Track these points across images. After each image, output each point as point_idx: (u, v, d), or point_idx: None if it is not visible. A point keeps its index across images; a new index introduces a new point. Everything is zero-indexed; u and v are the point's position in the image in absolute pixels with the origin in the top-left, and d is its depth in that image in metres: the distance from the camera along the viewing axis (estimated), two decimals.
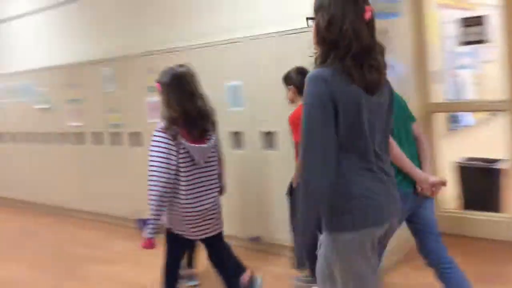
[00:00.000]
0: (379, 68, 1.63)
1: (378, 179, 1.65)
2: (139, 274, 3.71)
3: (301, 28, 3.30)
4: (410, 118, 2.46)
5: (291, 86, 3.02)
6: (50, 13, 5.81)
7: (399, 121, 2.30)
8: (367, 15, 1.60)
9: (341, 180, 1.59)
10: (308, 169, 1.55)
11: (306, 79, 1.59)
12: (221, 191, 2.86)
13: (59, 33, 5.78)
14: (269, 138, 3.78)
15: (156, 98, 4.44)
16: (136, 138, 4.69)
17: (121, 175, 4.87)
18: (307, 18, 1.69)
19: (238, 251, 2.99)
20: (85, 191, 5.36)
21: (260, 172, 3.86)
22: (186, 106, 2.54)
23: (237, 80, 3.86)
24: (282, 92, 3.18)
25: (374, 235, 1.64)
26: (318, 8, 1.65)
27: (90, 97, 5.07)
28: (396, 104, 1.84)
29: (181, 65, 2.68)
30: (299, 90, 2.87)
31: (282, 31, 3.58)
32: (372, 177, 1.63)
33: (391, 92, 1.75)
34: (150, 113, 4.47)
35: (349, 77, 1.57)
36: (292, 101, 3.05)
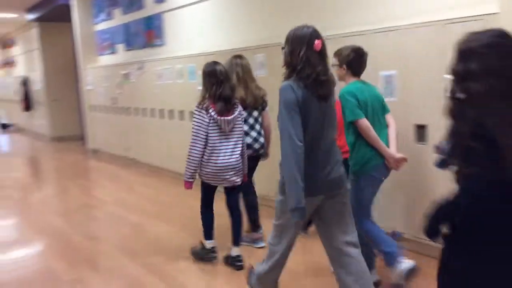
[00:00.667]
0: (328, 85, 2.42)
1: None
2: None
3: (467, 17, 3.09)
4: (385, 109, 3.17)
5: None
6: (213, 2, 6.24)
7: (378, 111, 3.08)
8: (317, 47, 2.38)
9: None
10: (282, 137, 2.36)
11: (280, 88, 2.37)
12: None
13: (219, 22, 6.19)
14: (421, 131, 3.64)
15: None
16: None
17: None
18: (282, 48, 2.50)
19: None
20: None
21: (408, 166, 3.74)
22: (211, 91, 3.47)
23: (391, 70, 3.77)
24: (439, 84, 3.04)
25: (313, 202, 2.44)
26: (286, 41, 2.47)
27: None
28: (374, 99, 3.06)
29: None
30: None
31: (444, 20, 3.39)
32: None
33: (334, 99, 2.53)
34: None
35: (306, 89, 2.35)
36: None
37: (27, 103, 13.62)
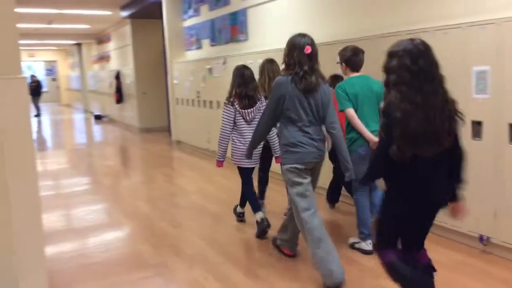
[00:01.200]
0: (309, 81, 3.16)
1: (306, 136, 3.22)
2: None
3: None
4: (380, 98, 3.68)
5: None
6: None
7: (369, 102, 3.79)
8: (307, 51, 3.16)
9: (287, 134, 3.25)
10: (259, 122, 3.44)
11: (276, 80, 3.28)
12: None
13: (302, 16, 6.18)
14: None
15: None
16: None
17: None
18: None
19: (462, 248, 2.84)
20: None
21: (496, 167, 3.52)
22: (237, 89, 4.31)
23: (485, 65, 3.56)
24: None
25: (301, 167, 3.24)
26: (286, 45, 3.27)
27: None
28: (366, 91, 3.79)
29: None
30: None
31: None
32: (302, 135, 3.22)
33: (325, 94, 3.27)
34: None
35: (294, 84, 3.16)
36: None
37: (119, 96, 14.48)
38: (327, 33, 5.59)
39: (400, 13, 4.63)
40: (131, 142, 11.61)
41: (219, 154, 4.38)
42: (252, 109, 4.34)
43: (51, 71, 27.47)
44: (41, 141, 12.08)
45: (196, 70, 9.03)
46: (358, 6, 5.19)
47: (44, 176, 7.44)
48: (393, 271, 2.49)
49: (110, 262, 3.94)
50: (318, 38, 5.86)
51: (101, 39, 17.85)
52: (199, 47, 9.43)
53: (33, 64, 25.98)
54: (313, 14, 5.97)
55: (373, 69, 4.58)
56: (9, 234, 1.94)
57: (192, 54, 9.77)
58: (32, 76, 20.14)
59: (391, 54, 2.33)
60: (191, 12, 9.67)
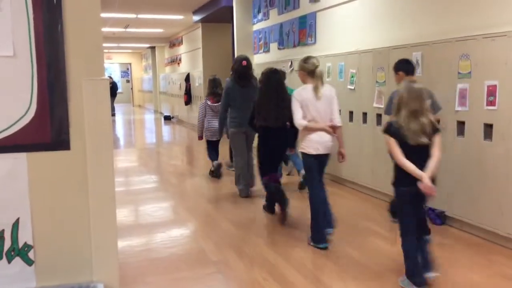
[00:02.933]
0: (245, 80, 5.81)
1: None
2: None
3: None
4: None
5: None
6: (366, 1, 6.16)
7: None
8: (243, 64, 5.76)
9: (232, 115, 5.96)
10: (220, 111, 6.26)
11: (226, 80, 6.20)
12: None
13: (371, 19, 6.08)
14: None
15: (465, 85, 4.27)
16: None
17: None
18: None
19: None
20: (377, 171, 5.60)
21: None
22: (211, 90, 7.31)
23: None
24: None
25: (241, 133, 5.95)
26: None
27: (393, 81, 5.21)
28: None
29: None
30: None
31: None
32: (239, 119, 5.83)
33: (254, 88, 5.62)
34: (460, 100, 4.32)
35: (236, 83, 5.82)
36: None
37: (188, 98, 14.92)
38: (397, 37, 5.47)
39: (479, 15, 4.44)
40: (198, 142, 11.88)
41: (198, 133, 7.42)
42: (216, 104, 6.94)
43: (126, 73, 28.80)
44: (114, 140, 12.69)
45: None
46: (432, 8, 5.03)
47: (116, 173, 7.79)
48: (266, 187, 5.13)
49: (175, 257, 4.07)
50: (387, 42, 5.80)
51: (173, 43, 18.48)
52: (267, 50, 9.52)
53: (110, 66, 27.35)
54: (382, 17, 5.86)
55: (449, 70, 4.46)
56: (87, 224, 2.07)
57: (260, 58, 9.88)
58: (109, 78, 21.22)
59: None
60: (260, 16, 9.79)
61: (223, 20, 11.60)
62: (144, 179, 7.45)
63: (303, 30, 7.90)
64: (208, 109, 7.07)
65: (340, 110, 6.25)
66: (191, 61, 15.34)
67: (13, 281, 1.98)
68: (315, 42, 7.53)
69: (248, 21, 10.31)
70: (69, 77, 1.99)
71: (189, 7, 12.09)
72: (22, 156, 1.96)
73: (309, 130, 4.11)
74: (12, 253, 1.99)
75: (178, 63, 17.65)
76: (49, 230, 2.03)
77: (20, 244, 1.99)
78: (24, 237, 2.00)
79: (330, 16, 7.07)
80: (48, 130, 1.98)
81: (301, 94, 4.14)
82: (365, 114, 5.90)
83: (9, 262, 1.99)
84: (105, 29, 15.30)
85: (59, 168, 2.02)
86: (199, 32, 13.49)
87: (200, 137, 7.30)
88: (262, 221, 5.02)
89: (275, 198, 5.04)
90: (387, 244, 4.22)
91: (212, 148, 7.31)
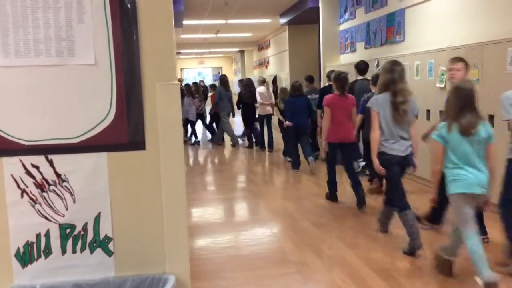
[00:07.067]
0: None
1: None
2: None
3: None
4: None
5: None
6: None
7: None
8: (225, 78, 11.61)
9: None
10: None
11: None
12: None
13: (462, 14, 5.74)
14: None
15: None
16: None
17: None
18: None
19: None
20: None
21: None
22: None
23: None
24: None
25: None
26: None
27: (488, 78, 4.87)
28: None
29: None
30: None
31: None
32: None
33: None
34: None
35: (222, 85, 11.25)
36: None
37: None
38: (491, 31, 5.12)
39: None
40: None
41: None
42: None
43: (217, 76, 29.86)
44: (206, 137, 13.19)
45: (348, 73, 8.97)
46: None
47: (206, 173, 8.17)
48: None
49: (255, 255, 4.16)
50: (480, 37, 5.43)
51: (261, 46, 18.81)
52: (353, 50, 9.36)
53: (203, 71, 28.53)
54: (475, 11, 5.51)
55: None
56: (160, 219, 2.21)
57: (346, 58, 9.74)
58: (201, 81, 22.15)
59: None
60: (347, 15, 9.65)
61: (309, 22, 11.59)
62: (229, 178, 7.67)
63: (391, 27, 7.66)
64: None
65: (429, 110, 6.04)
66: (278, 63, 15.50)
67: (95, 270, 2.17)
68: (403, 40, 7.27)
69: (334, 21, 10.21)
70: (144, 82, 2.14)
71: (276, 10, 12.24)
72: (103, 156, 2.15)
73: None
74: (94, 244, 2.18)
75: (266, 66, 17.92)
76: (127, 224, 2.19)
77: (101, 236, 2.18)
78: (105, 230, 2.18)
79: (420, 12, 6.79)
80: (125, 131, 2.14)
81: None
82: None
83: (91, 252, 2.18)
84: (197, 36, 15.99)
85: (135, 167, 2.18)
86: (286, 34, 13.60)
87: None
88: (345, 223, 4.95)
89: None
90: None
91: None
